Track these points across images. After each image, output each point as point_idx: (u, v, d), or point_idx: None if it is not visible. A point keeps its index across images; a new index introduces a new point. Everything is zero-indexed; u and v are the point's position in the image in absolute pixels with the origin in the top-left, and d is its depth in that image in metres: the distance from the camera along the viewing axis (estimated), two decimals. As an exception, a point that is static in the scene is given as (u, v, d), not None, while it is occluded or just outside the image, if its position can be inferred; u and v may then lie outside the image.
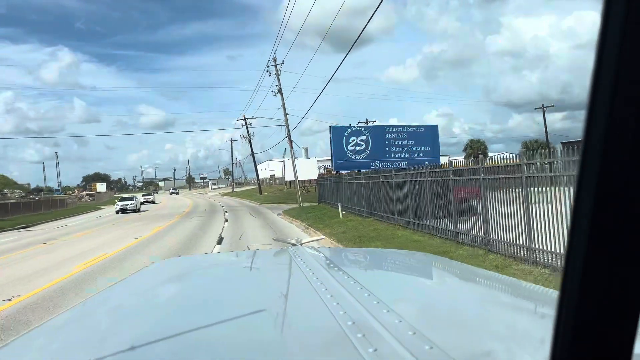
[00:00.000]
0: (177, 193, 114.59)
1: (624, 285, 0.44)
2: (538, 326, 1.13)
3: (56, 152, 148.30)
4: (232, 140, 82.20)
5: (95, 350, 1.09)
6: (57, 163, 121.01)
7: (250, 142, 54.72)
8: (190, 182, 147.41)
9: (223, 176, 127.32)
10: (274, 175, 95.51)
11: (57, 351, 1.19)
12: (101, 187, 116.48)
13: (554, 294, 1.35)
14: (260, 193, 54.22)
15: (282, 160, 69.76)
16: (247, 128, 54.13)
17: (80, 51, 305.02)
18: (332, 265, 1.76)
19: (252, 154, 55.48)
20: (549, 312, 0.84)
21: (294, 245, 2.90)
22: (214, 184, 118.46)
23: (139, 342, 1.08)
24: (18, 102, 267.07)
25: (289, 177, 55.18)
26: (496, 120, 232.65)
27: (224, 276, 2.06)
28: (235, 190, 77.04)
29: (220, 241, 14.67)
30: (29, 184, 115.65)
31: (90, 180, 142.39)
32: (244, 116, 53.40)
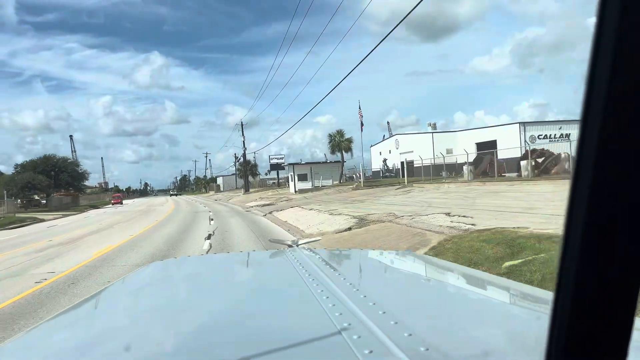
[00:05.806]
0: (177, 194, 69.44)
1: (619, 287, 0.43)
2: (533, 327, 1.12)
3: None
4: None
5: (89, 354, 1.09)
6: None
7: None
8: (246, 176, 75.76)
9: (329, 159, 60.66)
10: (412, 161, 45.51)
11: (48, 356, 1.14)
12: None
13: (549, 295, 1.32)
14: None
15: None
16: None
17: (171, 56, 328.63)
18: (328, 266, 1.76)
19: None
20: (544, 313, 0.76)
21: (290, 246, 2.81)
22: (303, 177, 52.62)
23: (132, 346, 1.08)
24: (116, 106, 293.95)
25: None
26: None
27: (219, 278, 2.06)
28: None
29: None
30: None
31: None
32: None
